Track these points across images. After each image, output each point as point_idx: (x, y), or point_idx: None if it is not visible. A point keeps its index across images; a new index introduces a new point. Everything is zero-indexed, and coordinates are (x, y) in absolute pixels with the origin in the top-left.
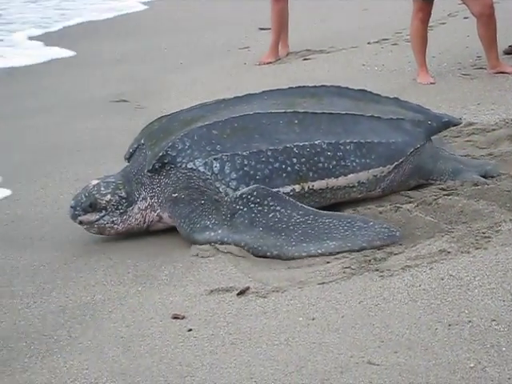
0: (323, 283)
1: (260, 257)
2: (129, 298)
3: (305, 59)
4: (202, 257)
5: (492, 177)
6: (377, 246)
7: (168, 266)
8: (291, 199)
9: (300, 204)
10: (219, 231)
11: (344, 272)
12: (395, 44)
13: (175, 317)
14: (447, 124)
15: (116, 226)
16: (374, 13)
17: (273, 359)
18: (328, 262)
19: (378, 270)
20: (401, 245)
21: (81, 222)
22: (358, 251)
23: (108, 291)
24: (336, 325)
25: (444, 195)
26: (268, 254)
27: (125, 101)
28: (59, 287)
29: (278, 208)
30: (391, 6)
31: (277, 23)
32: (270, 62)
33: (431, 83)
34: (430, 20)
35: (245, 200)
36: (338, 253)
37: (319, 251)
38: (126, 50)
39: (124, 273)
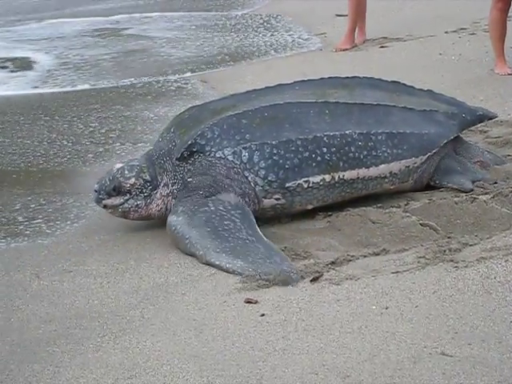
0: (397, 272)
1: (189, 253)
2: (202, 280)
3: (381, 47)
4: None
5: (491, 184)
6: (270, 280)
7: None
8: (254, 222)
9: (256, 226)
10: (180, 218)
11: (418, 262)
12: (473, 34)
13: (248, 301)
14: (482, 118)
15: (140, 209)
16: (453, 2)
17: (345, 347)
18: (402, 251)
19: (452, 261)
20: (476, 236)
21: (105, 206)
22: (253, 277)
23: (181, 273)
24: (410, 314)
25: None
26: (196, 252)
27: (205, 81)
28: (133, 268)
29: (237, 221)
30: None
31: (354, 10)
32: (346, 49)
33: (509, 74)
34: (510, 10)
35: (220, 202)
36: (240, 273)
37: (226, 265)
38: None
39: None
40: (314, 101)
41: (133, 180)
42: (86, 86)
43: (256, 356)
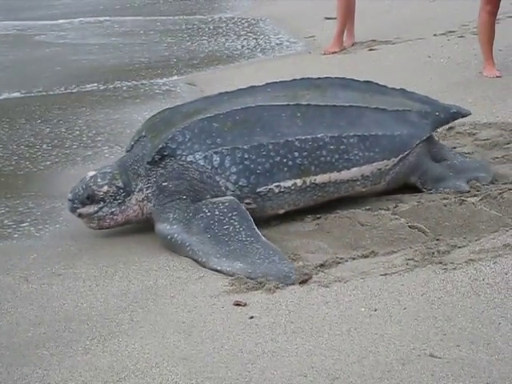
0: (386, 274)
1: (192, 259)
2: (191, 283)
3: (370, 49)
4: None
5: (482, 185)
6: (268, 280)
7: None
8: (252, 221)
9: (254, 226)
10: (174, 226)
11: (407, 264)
12: (462, 36)
13: (237, 304)
14: (455, 115)
15: (115, 216)
16: (441, 4)
17: (334, 349)
18: (391, 254)
19: (441, 263)
20: (465, 238)
21: (80, 215)
22: (252, 279)
23: (170, 276)
24: (398, 316)
25: (509, 189)
26: (199, 259)
27: (193, 84)
28: (122, 271)
29: (235, 224)
30: None
31: (343, 13)
32: (335, 52)
33: (497, 76)
34: (498, 13)
35: (215, 206)
36: (240, 275)
37: (227, 269)
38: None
39: (186, 258)
40: (285, 103)
41: (106, 188)
42: None
43: (245, 358)
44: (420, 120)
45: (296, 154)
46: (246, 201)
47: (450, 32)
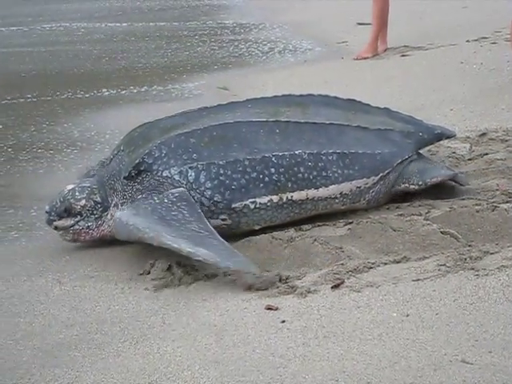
0: (418, 280)
1: (134, 239)
2: (223, 287)
3: (402, 55)
4: None
5: (460, 184)
6: (232, 269)
7: None
8: (203, 215)
9: (206, 220)
10: (124, 211)
11: (439, 270)
12: (494, 43)
13: (269, 308)
14: (439, 136)
15: (91, 231)
16: (474, 11)
17: (366, 354)
18: (423, 259)
19: (473, 269)
20: (497, 244)
21: (56, 228)
22: (219, 267)
23: (202, 279)
24: (430, 322)
25: None
26: (145, 236)
27: (226, 89)
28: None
29: (185, 212)
30: (491, 4)
31: (378, 18)
32: (367, 57)
33: None
34: None
35: (164, 195)
36: (203, 260)
37: (187, 249)
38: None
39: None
40: (264, 120)
41: (83, 202)
42: None
43: (277, 362)
44: (402, 139)
45: (272, 170)
46: (221, 216)
47: (483, 38)
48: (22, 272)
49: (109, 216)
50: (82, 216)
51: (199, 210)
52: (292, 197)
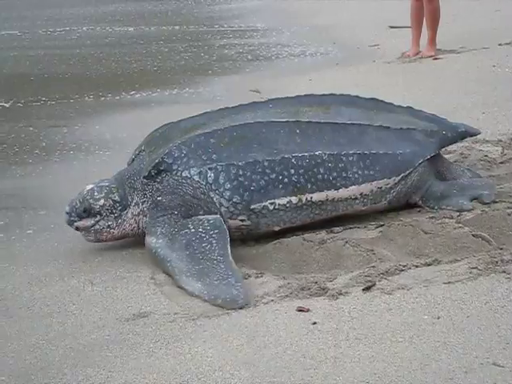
0: (449, 283)
1: (169, 276)
2: (254, 288)
3: (435, 58)
4: None
5: (485, 203)
6: (216, 304)
7: None
8: (228, 241)
9: (228, 246)
10: (160, 241)
11: (470, 272)
12: None
13: (300, 309)
14: (464, 134)
15: (112, 230)
16: (507, 14)
17: (397, 356)
18: (454, 262)
19: (504, 272)
20: None
21: (77, 228)
22: (206, 301)
23: None
24: (461, 324)
25: None
26: (174, 276)
27: (258, 92)
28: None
29: (213, 242)
30: None
31: (417, 20)
32: (432, 55)
33: None
34: None
35: (200, 223)
36: (197, 296)
37: (187, 288)
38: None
39: (252, 263)
40: (285, 120)
41: (102, 201)
42: None
43: (307, 364)
44: (425, 139)
45: (292, 171)
46: (240, 217)
47: None
48: (54, 272)
49: (129, 214)
50: (101, 215)
51: (227, 236)
52: (312, 198)
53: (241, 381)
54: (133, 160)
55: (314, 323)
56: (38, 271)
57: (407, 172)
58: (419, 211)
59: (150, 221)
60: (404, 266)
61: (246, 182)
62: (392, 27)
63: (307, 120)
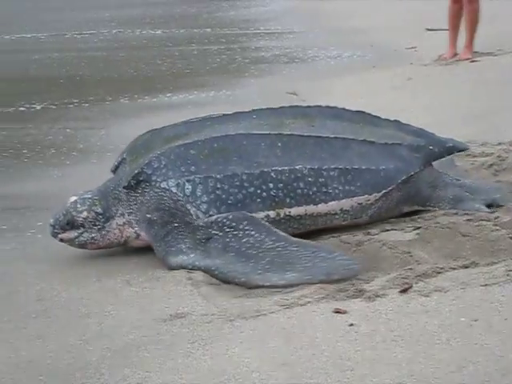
0: (486, 285)
1: (227, 282)
2: (291, 290)
3: (472, 61)
4: None
5: (499, 206)
6: (334, 280)
7: None
8: (266, 223)
9: (273, 229)
10: (192, 255)
11: (508, 275)
12: None
13: (337, 311)
14: (451, 149)
15: (97, 241)
16: None
17: (434, 358)
18: (492, 264)
19: None
20: None
21: (61, 240)
22: (316, 283)
23: None
24: (499, 327)
25: None
26: (236, 280)
27: (295, 94)
28: None
29: (253, 233)
30: None
31: (454, 22)
32: (469, 58)
33: None
34: None
35: (220, 225)
36: (297, 284)
37: (280, 282)
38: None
39: None
40: (267, 132)
41: (85, 213)
42: None
43: (344, 365)
44: (410, 154)
45: (271, 185)
46: None
47: None
48: (91, 273)
49: (113, 225)
50: (84, 228)
51: (263, 222)
52: (290, 212)
53: (277, 382)
54: (116, 168)
55: (351, 325)
56: (75, 272)
57: (389, 188)
58: (456, 213)
59: (161, 243)
60: (441, 269)
61: (224, 196)
62: (429, 29)
63: (289, 133)
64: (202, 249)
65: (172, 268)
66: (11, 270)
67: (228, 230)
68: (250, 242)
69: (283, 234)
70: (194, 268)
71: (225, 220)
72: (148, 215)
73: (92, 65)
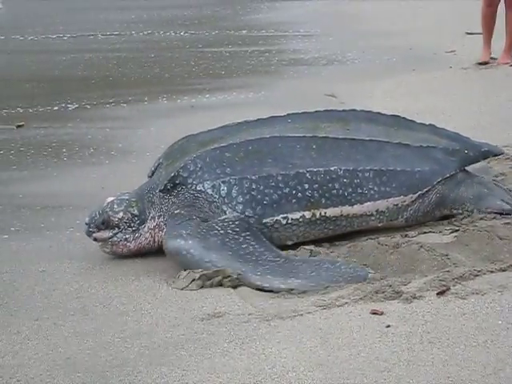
0: None
1: (214, 278)
2: (328, 291)
3: (511, 65)
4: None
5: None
6: (341, 285)
7: None
8: (267, 242)
9: (274, 247)
10: (190, 241)
11: None
12: None
13: (374, 312)
14: (486, 154)
15: (128, 243)
16: None
17: (470, 360)
18: None
19: None
20: None
21: (95, 239)
22: (319, 291)
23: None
24: None
25: None
26: (229, 273)
27: (334, 96)
28: None
29: (253, 243)
30: None
31: (488, 26)
32: (508, 63)
33: None
34: None
35: (225, 224)
36: (303, 292)
37: (282, 286)
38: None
39: None
40: (302, 135)
41: (121, 214)
42: None
43: (381, 366)
44: (445, 157)
45: (306, 185)
46: None
47: None
48: (130, 272)
49: (146, 228)
50: (119, 228)
51: (264, 238)
52: (325, 213)
53: (314, 382)
54: (153, 173)
55: (388, 326)
56: (114, 270)
57: (424, 190)
58: (494, 218)
59: (170, 228)
60: (479, 272)
61: (259, 196)
62: (469, 33)
63: (324, 135)
64: (201, 237)
65: (169, 251)
66: (50, 267)
67: (230, 231)
68: (248, 249)
69: (281, 252)
70: (188, 255)
71: (230, 222)
72: (176, 211)
73: (124, 66)
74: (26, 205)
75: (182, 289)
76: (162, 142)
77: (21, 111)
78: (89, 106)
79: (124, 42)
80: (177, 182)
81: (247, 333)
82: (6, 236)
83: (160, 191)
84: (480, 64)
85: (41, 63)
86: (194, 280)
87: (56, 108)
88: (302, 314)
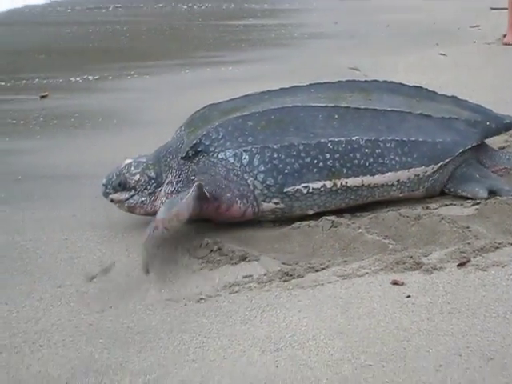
0: None
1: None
2: (350, 261)
3: None
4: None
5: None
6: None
7: None
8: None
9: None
10: (178, 186)
11: None
12: None
13: (394, 283)
14: (508, 126)
15: (145, 205)
16: None
17: (490, 331)
18: None
19: None
20: None
21: (112, 200)
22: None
23: (328, 254)
24: None
25: None
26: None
27: (357, 69)
28: (281, 246)
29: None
30: None
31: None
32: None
33: None
34: None
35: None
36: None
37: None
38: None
39: (346, 236)
40: (324, 105)
41: (138, 176)
42: None
43: (401, 335)
44: (467, 128)
45: (327, 155)
46: (274, 200)
47: None
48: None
49: (162, 192)
50: (136, 190)
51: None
52: (347, 183)
53: (334, 350)
54: (171, 139)
55: (408, 296)
56: (136, 238)
57: (446, 161)
58: None
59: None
60: (499, 244)
61: (281, 165)
62: (493, 8)
63: (346, 105)
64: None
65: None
66: (72, 236)
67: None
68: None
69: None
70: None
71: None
72: (192, 178)
73: (139, 38)
74: (50, 174)
75: (202, 258)
76: (186, 113)
77: (43, 82)
78: (111, 77)
79: (144, 14)
80: (199, 149)
81: (268, 301)
82: (29, 204)
83: (182, 158)
84: (505, 45)
85: (61, 35)
86: (212, 251)
87: (78, 79)
88: (322, 284)
